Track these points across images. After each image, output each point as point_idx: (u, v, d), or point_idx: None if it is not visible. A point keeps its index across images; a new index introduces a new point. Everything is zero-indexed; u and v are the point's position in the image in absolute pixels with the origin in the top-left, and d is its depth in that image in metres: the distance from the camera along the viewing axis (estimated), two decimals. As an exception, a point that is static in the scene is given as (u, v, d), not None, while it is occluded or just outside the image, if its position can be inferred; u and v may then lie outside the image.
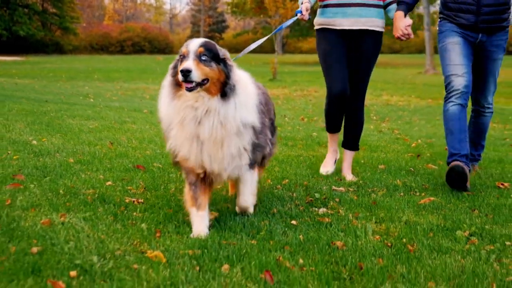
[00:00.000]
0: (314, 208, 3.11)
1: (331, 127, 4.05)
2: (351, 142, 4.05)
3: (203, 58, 2.42)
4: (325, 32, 3.80)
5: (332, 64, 3.76)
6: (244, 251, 2.34)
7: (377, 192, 3.54)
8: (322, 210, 3.07)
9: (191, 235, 2.53)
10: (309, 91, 13.99)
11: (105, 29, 49.42)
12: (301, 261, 2.27)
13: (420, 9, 30.77)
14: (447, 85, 3.77)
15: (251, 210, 2.88)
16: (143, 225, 2.64)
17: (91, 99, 9.63)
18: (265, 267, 2.18)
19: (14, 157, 4.02)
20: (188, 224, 2.65)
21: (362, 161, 4.57)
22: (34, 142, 4.72)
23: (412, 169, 4.31)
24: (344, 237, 2.60)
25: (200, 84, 2.42)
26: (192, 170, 2.60)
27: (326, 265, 2.25)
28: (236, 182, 2.84)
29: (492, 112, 4.14)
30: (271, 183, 3.69)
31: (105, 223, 2.64)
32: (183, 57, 2.44)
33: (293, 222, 2.82)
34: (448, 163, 3.66)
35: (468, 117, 3.97)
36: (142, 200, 3.07)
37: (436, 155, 5.03)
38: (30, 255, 2.19)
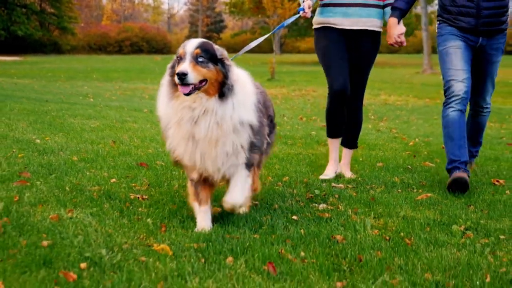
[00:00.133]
0: (314, 204, 3.19)
1: (333, 129, 3.97)
2: (350, 141, 4.12)
3: (200, 59, 2.42)
4: (325, 31, 3.83)
5: (333, 61, 3.78)
6: (247, 244, 2.43)
7: (375, 189, 3.63)
8: (322, 206, 3.15)
9: (196, 229, 2.61)
10: (307, 91, 14.08)
11: (103, 29, 49.42)
12: (302, 253, 2.36)
13: (418, 9, 30.92)
14: (447, 89, 3.77)
15: (238, 210, 2.78)
16: (148, 220, 2.72)
17: (90, 98, 9.70)
18: (268, 259, 2.26)
19: (19, 155, 4.10)
20: (193, 219, 2.73)
21: (361, 159, 4.66)
22: (38, 140, 4.79)
23: (410, 167, 4.40)
24: (343, 231, 2.69)
25: (198, 88, 2.42)
26: (192, 168, 2.66)
27: (327, 258, 2.33)
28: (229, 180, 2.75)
29: (489, 111, 4.18)
30: (272, 180, 3.77)
31: (112, 218, 2.72)
32: (180, 59, 2.45)
33: (294, 217, 2.91)
34: (448, 170, 3.71)
35: (466, 114, 4.03)
36: (146, 197, 3.15)
37: (433, 153, 5.12)
38: (41, 248, 2.26)
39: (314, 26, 3.95)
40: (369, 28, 3.78)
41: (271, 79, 17.72)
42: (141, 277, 2.05)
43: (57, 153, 4.29)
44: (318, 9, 3.92)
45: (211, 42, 2.55)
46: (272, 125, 3.08)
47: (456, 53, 3.77)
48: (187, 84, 2.38)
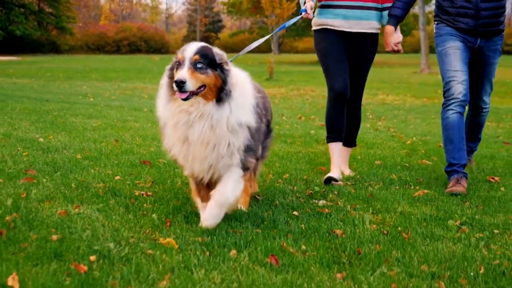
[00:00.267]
0: (314, 200, 3.28)
1: (334, 132, 3.91)
2: (349, 139, 4.19)
3: (199, 65, 2.43)
4: (325, 32, 3.88)
5: (333, 63, 3.84)
6: (250, 238, 2.52)
7: (373, 186, 3.71)
8: (321, 202, 3.24)
9: (200, 224, 2.69)
10: (305, 90, 14.16)
11: (101, 28, 49.45)
12: (303, 247, 2.45)
13: (416, 9, 30.99)
14: (447, 91, 3.79)
15: (224, 208, 2.66)
16: (153, 215, 2.80)
17: (90, 98, 9.76)
18: (271, 252, 2.35)
19: (24, 154, 4.17)
20: (197, 214, 2.82)
21: (359, 157, 4.75)
22: (41, 139, 4.86)
23: (407, 165, 4.49)
24: (343, 226, 2.78)
25: (196, 93, 2.43)
26: (185, 168, 2.72)
27: (327, 251, 2.42)
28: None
29: (488, 111, 4.23)
30: (273, 177, 3.85)
31: (118, 214, 2.80)
32: (179, 64, 2.46)
33: (295, 212, 2.99)
34: (447, 172, 3.77)
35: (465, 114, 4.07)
36: (151, 193, 3.23)
37: (430, 151, 5.21)
38: (51, 242, 2.34)
39: (314, 28, 3.99)
40: (368, 31, 3.85)
41: (270, 79, 17.80)
42: (149, 269, 2.13)
43: (61, 152, 4.37)
44: (317, 10, 3.95)
45: (210, 47, 2.55)
46: (268, 130, 3.08)
47: (455, 53, 3.81)
48: (185, 92, 2.39)
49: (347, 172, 4.09)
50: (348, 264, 2.30)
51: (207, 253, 2.32)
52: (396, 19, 3.85)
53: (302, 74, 21.13)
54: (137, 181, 3.52)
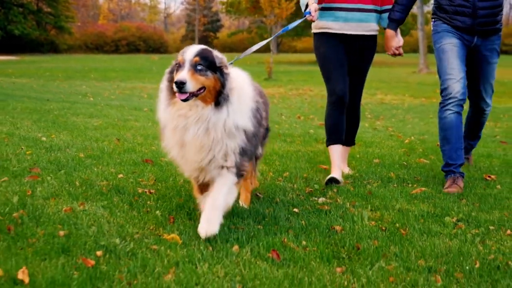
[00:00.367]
0: (314, 198, 3.35)
1: (333, 134, 3.93)
2: (348, 138, 4.25)
3: (199, 67, 2.44)
4: (325, 36, 3.90)
5: (333, 68, 3.87)
6: (252, 234, 2.58)
7: (372, 184, 3.78)
8: (321, 199, 3.31)
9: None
10: (304, 90, 14.24)
11: (100, 28, 49.50)
12: (304, 242, 2.51)
13: (414, 9, 31.04)
14: (444, 89, 3.79)
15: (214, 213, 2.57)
16: (157, 212, 2.86)
17: (90, 98, 9.82)
18: (272, 247, 2.42)
19: (27, 152, 4.23)
20: (199, 211, 2.88)
21: (358, 156, 4.81)
22: (44, 138, 4.92)
23: (405, 163, 4.56)
24: (342, 222, 2.84)
25: (195, 94, 2.45)
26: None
27: (327, 246, 2.49)
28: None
29: (490, 112, 4.24)
30: (273, 175, 3.92)
31: (122, 211, 2.87)
32: (179, 66, 2.48)
33: (295, 209, 3.06)
34: (444, 171, 3.82)
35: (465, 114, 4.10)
36: (154, 191, 3.30)
37: (428, 150, 5.28)
38: (58, 237, 2.41)
39: (314, 30, 4.00)
40: (368, 33, 3.91)
41: (268, 78, 17.86)
42: (155, 263, 2.19)
43: (64, 150, 4.43)
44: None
45: (210, 49, 2.57)
46: (266, 132, 3.12)
47: (453, 50, 3.81)
48: (185, 93, 2.42)
49: (346, 170, 4.16)
50: (347, 258, 2.37)
51: (210, 248, 2.39)
52: (396, 23, 3.91)
53: (301, 74, 21.20)
54: (140, 179, 3.58)
